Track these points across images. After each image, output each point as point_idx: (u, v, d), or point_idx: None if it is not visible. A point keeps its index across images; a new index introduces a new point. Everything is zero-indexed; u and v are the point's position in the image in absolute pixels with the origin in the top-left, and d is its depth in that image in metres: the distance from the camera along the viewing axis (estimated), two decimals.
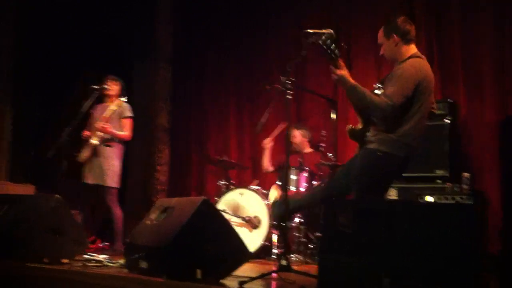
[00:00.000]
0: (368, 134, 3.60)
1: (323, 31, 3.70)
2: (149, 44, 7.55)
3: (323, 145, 5.65)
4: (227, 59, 7.38)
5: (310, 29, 3.64)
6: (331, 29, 3.51)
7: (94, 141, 5.47)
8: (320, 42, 3.50)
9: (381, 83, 3.64)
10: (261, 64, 7.00)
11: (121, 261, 3.77)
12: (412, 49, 3.58)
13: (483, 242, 2.91)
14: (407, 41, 3.57)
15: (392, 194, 4.96)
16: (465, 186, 4.76)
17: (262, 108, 6.11)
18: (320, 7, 6.56)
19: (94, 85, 5.55)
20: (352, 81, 3.53)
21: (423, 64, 3.54)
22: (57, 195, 4.06)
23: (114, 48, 7.58)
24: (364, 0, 6.28)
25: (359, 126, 3.74)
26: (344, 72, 3.54)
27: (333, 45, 3.49)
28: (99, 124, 5.49)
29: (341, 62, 3.54)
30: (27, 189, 6.64)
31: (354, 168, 3.59)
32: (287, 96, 3.70)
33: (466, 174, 4.82)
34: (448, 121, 5.02)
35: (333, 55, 3.49)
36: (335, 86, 6.39)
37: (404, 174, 4.88)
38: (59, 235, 3.94)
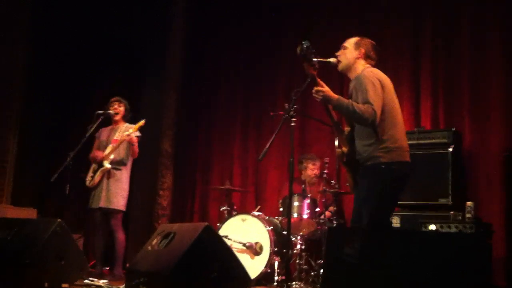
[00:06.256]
0: (359, 153, 3.60)
1: (329, 59, 3.74)
2: (158, 73, 7.61)
3: (326, 172, 5.64)
4: (235, 86, 7.40)
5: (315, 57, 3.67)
6: None
7: (107, 164, 5.43)
8: (301, 54, 3.50)
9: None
10: (269, 92, 7.02)
11: (121, 286, 3.75)
12: (366, 66, 3.70)
13: (489, 274, 2.87)
14: (367, 60, 3.71)
15: (395, 222, 4.94)
16: (468, 215, 4.73)
17: (267, 135, 6.10)
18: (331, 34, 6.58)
19: (99, 110, 5.52)
20: (334, 95, 3.58)
21: (376, 70, 3.67)
22: (59, 219, 4.05)
23: (123, 75, 7.69)
24: (373, 26, 6.24)
25: (345, 149, 3.77)
26: (325, 88, 3.58)
27: (311, 55, 3.52)
28: (130, 136, 5.33)
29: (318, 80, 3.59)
30: (29, 213, 6.61)
31: (361, 191, 3.56)
32: (291, 124, 3.72)
33: (469, 203, 4.80)
34: (451, 150, 5.01)
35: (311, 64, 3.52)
36: (339, 114, 6.39)
37: (407, 202, 4.91)
38: (60, 260, 3.92)
